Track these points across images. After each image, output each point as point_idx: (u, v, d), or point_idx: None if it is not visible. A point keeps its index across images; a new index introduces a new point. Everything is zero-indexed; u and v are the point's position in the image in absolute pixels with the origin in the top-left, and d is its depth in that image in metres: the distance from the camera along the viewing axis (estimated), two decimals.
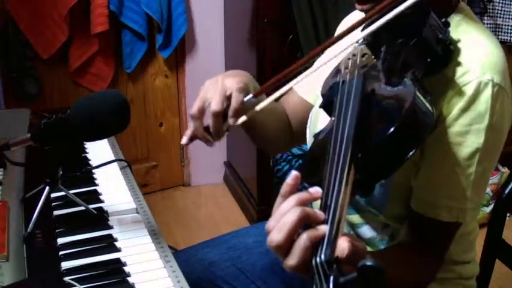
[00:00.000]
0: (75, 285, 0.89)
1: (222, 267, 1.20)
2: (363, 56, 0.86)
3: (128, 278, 0.93)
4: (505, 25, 2.53)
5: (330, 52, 0.89)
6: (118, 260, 0.97)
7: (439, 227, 0.93)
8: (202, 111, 0.91)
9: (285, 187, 0.67)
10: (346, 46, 0.86)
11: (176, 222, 2.65)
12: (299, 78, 0.87)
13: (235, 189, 2.84)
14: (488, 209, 2.48)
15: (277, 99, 0.92)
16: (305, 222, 0.62)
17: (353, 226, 1.07)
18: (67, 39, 2.37)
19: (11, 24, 2.29)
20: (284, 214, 0.63)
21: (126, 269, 0.95)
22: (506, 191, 1.22)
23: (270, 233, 0.64)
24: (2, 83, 2.30)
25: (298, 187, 0.68)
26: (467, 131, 0.88)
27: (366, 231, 1.06)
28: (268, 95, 0.90)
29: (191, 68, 2.78)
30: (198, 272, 1.19)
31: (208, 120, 0.90)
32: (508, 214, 1.37)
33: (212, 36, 2.74)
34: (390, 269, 0.92)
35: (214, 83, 0.91)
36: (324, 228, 0.60)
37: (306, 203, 0.65)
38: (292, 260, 0.61)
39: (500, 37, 2.54)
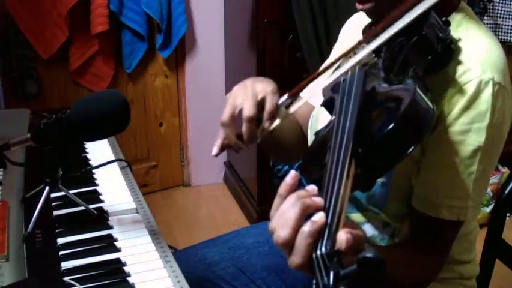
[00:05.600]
0: (75, 285, 0.89)
1: (222, 267, 1.20)
2: None
3: (128, 278, 0.93)
4: (505, 25, 2.53)
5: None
6: (118, 260, 0.97)
7: (440, 226, 0.93)
8: (233, 118, 0.90)
9: (283, 187, 0.67)
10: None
11: (176, 222, 2.65)
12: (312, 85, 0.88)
13: (235, 189, 2.84)
14: (488, 209, 2.48)
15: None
16: (307, 213, 0.62)
17: None
18: (67, 39, 2.37)
19: (11, 24, 2.29)
20: (286, 212, 0.63)
21: (126, 269, 0.95)
22: (506, 191, 1.22)
23: (275, 232, 0.63)
24: (2, 83, 2.30)
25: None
26: (468, 129, 0.88)
27: (368, 230, 1.06)
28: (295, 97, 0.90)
29: (191, 68, 2.78)
30: (198, 272, 1.19)
31: (241, 127, 0.89)
32: (508, 214, 1.37)
33: (212, 36, 2.74)
34: (391, 268, 0.93)
35: (243, 89, 0.91)
36: (322, 220, 0.60)
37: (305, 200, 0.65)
38: (296, 257, 0.61)
39: (500, 37, 2.53)
